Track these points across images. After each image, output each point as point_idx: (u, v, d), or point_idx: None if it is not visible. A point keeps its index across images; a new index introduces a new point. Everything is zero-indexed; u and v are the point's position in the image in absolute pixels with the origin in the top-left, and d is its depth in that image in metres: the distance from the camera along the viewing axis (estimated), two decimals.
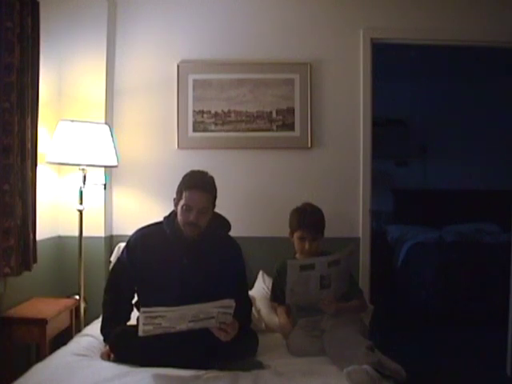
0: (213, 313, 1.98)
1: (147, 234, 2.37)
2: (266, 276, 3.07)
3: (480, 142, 5.92)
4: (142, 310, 1.92)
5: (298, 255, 2.68)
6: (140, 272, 2.31)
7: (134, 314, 2.41)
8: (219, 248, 2.36)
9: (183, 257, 2.27)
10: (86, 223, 2.89)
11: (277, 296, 2.68)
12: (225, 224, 2.48)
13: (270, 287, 2.85)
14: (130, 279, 2.35)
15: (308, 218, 2.59)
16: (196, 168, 2.38)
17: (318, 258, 2.37)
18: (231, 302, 1.99)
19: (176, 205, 2.31)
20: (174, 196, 2.33)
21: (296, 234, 2.61)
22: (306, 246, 2.56)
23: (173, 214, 2.36)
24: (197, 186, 2.25)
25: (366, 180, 3.24)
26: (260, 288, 2.99)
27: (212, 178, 2.34)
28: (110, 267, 2.77)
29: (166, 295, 2.23)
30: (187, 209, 2.24)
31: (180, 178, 2.33)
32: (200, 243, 2.30)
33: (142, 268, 2.31)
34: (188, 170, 2.37)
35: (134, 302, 2.42)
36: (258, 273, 3.12)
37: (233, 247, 2.45)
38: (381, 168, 4.96)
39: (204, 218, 2.27)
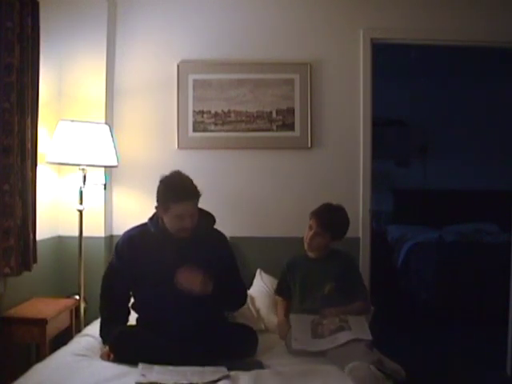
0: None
1: (133, 235, 2.39)
2: (263, 273, 3.06)
3: (480, 142, 5.91)
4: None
5: (307, 251, 2.67)
6: (131, 272, 2.33)
7: (133, 316, 2.41)
8: (205, 240, 2.36)
9: (170, 253, 2.28)
10: (86, 223, 2.89)
11: (282, 290, 2.69)
12: (209, 218, 2.44)
13: (268, 284, 2.86)
14: (123, 282, 2.36)
15: (323, 212, 2.61)
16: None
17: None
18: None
19: (162, 213, 2.29)
20: (155, 204, 2.31)
21: (309, 222, 2.63)
22: (309, 234, 2.57)
23: (156, 216, 2.36)
24: (186, 197, 2.24)
25: (366, 180, 3.24)
26: (259, 286, 2.98)
27: (191, 181, 2.30)
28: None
29: (160, 292, 2.25)
30: (180, 218, 2.24)
31: None
32: (187, 239, 2.30)
33: (132, 268, 2.32)
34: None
35: (130, 304, 2.42)
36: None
37: (218, 237, 2.47)
38: (381, 168, 4.95)
39: (195, 219, 2.30)
